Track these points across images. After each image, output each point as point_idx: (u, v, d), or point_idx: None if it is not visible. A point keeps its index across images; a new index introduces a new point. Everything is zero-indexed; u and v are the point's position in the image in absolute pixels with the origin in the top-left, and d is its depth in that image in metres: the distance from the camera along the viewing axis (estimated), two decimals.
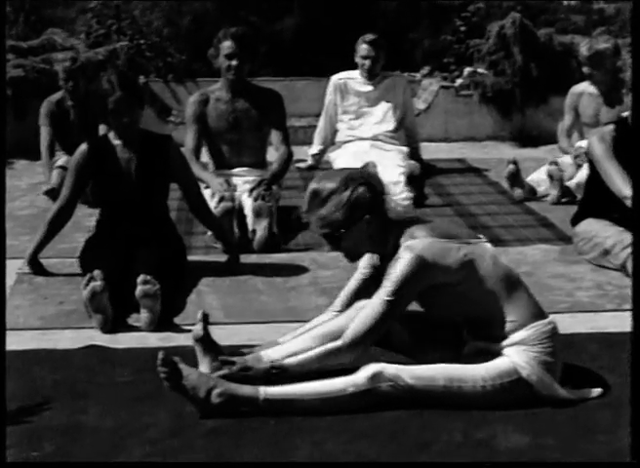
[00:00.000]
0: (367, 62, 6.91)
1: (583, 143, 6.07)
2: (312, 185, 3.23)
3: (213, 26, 7.92)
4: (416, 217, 3.33)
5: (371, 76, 6.97)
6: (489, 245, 3.30)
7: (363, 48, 6.90)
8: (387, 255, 3.25)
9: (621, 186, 4.63)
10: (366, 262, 3.43)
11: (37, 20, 9.55)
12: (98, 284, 4.01)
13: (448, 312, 3.31)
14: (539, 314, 3.26)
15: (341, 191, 3.17)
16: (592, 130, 4.92)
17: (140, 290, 4.04)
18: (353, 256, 3.32)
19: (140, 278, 4.06)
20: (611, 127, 4.82)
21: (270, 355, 3.34)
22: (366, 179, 3.22)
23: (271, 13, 10.04)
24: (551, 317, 3.30)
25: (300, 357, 3.25)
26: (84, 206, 5.94)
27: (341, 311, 3.46)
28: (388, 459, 2.87)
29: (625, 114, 4.89)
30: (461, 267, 3.15)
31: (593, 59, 6.26)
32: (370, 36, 6.91)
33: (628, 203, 4.60)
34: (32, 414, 3.17)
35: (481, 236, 3.32)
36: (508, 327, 3.19)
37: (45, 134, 6.77)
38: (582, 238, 4.94)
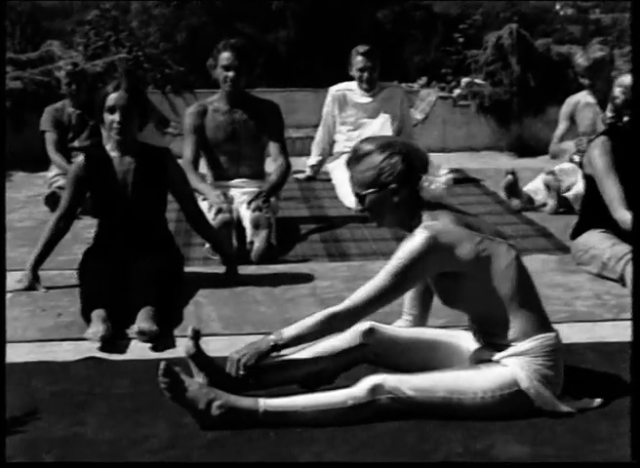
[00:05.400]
0: (365, 74, 6.94)
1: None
2: (356, 144, 3.31)
3: (209, 38, 7.96)
4: (447, 204, 3.27)
5: (370, 87, 7.00)
6: (512, 248, 3.22)
7: (359, 60, 6.93)
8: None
9: (618, 208, 4.63)
10: None
11: (34, 33, 9.57)
12: (102, 331, 3.99)
13: (465, 309, 3.28)
14: (545, 326, 3.23)
15: (376, 154, 3.20)
16: (591, 143, 4.87)
17: (137, 337, 4.03)
18: (378, 221, 3.30)
19: (136, 328, 4.02)
20: (604, 137, 4.78)
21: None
22: (405, 152, 3.21)
23: (266, 25, 10.09)
24: (557, 331, 3.26)
25: (298, 324, 3.19)
26: (86, 217, 5.95)
27: (413, 313, 3.51)
28: None
29: (625, 119, 4.84)
30: (476, 260, 3.11)
31: (592, 69, 6.26)
32: (363, 47, 6.94)
33: (625, 226, 4.57)
34: (31, 426, 3.16)
35: (508, 238, 3.27)
36: (512, 335, 3.17)
37: (51, 138, 6.80)
38: (580, 250, 4.92)
